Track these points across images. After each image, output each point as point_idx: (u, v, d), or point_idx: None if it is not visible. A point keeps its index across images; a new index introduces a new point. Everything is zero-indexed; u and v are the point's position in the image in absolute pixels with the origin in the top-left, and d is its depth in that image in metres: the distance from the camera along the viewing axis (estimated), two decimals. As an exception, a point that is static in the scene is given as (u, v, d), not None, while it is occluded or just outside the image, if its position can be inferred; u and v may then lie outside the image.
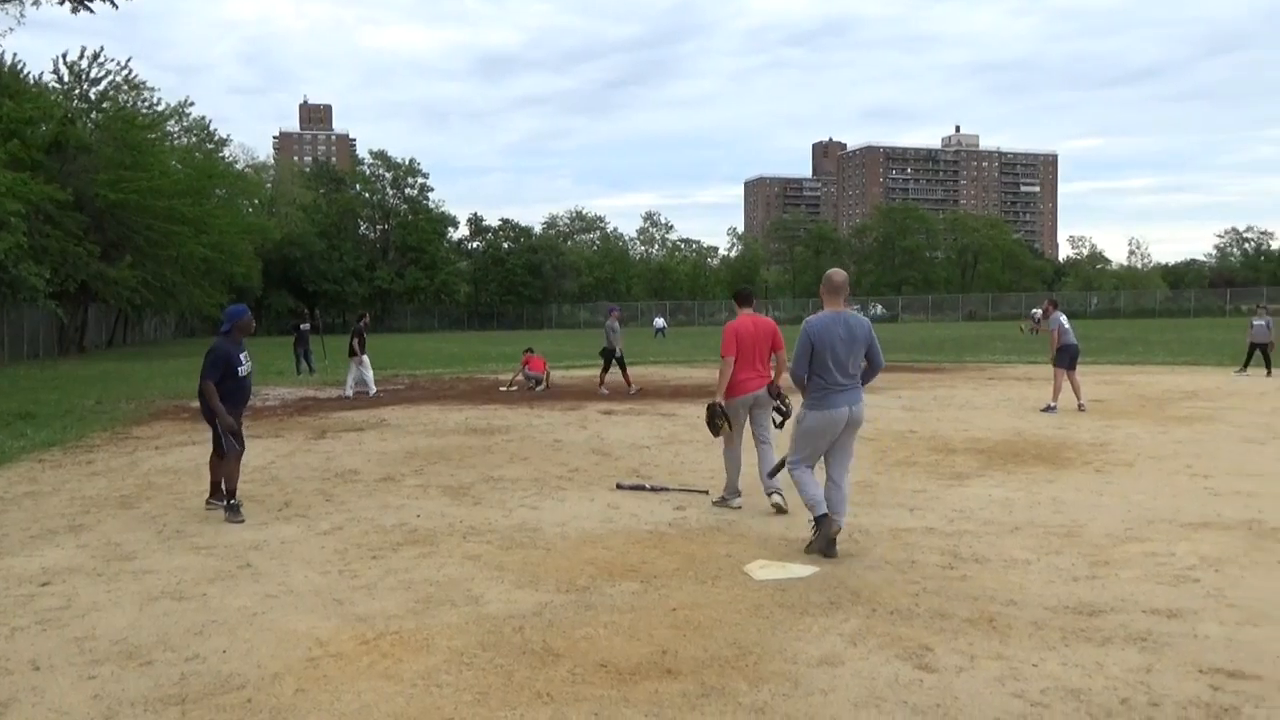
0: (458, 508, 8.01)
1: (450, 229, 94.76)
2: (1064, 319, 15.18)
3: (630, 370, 19.22)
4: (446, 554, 6.47)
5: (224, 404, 7.74)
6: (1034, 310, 62.06)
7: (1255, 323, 21.25)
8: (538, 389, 19.44)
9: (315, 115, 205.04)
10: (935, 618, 4.97)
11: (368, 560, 6.35)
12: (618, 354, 18.47)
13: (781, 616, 5.04)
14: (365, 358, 18.71)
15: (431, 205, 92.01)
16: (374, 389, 18.65)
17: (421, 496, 8.53)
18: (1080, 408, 14.31)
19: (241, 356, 7.90)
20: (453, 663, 4.46)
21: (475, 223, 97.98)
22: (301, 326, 25.68)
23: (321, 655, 4.58)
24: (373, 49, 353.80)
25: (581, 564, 6.15)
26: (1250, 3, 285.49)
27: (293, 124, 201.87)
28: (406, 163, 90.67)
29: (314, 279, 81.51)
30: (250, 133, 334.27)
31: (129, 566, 6.25)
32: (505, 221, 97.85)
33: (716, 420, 7.69)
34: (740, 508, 7.81)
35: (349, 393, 18.37)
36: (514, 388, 19.66)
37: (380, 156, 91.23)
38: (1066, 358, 14.89)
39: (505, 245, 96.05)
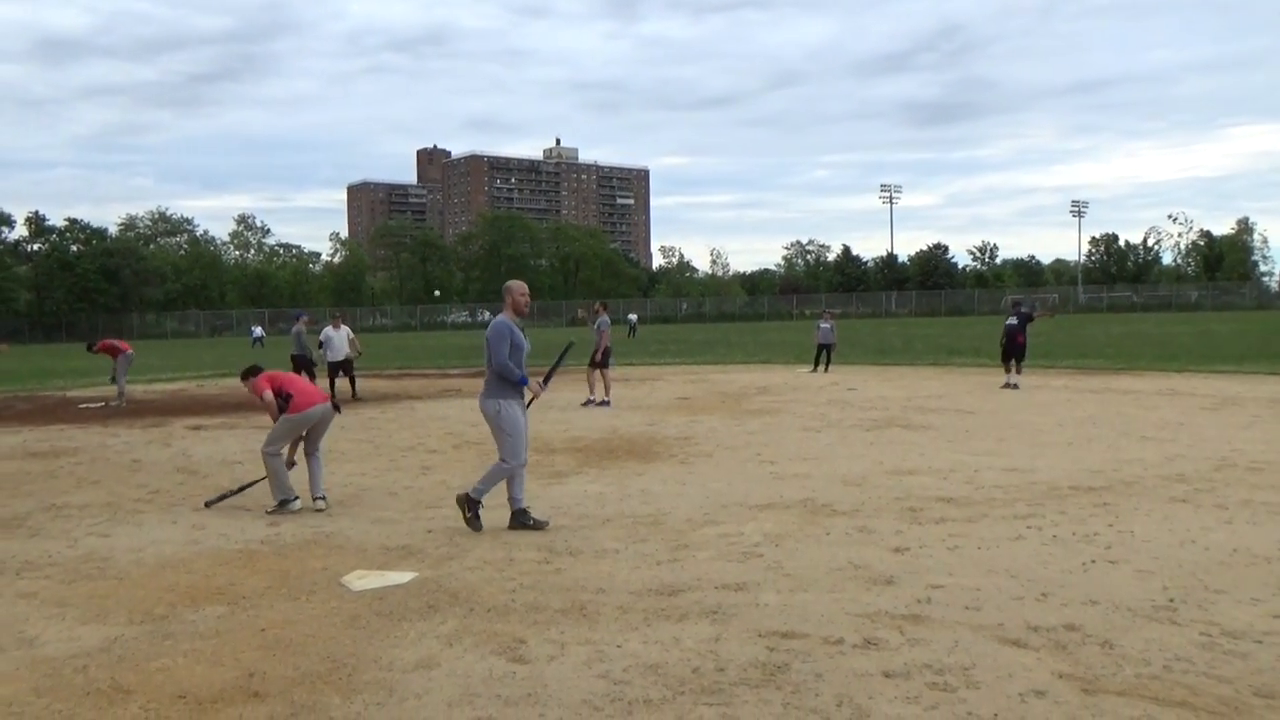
0: (10, 541, 7.09)
1: (4, 229, 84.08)
2: (608, 322, 16.43)
3: (217, 382, 18.04)
4: (-6, 594, 5.71)
5: None
6: (630, 315, 65.58)
7: (821, 325, 23.42)
8: (115, 403, 17.71)
9: None
10: (530, 611, 5.13)
11: (-111, 610, 5.44)
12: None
13: (378, 625, 4.97)
14: None
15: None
16: None
17: (-37, 532, 7.45)
18: (606, 403, 15.67)
19: None
20: (-2, 715, 3.95)
21: (37, 222, 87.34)
22: None
23: None
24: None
25: (160, 591, 5.68)
26: (801, 47, 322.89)
27: None
28: (-58, 152, 79.17)
29: None
30: None
31: None
32: (73, 222, 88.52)
33: None
34: (299, 510, 7.92)
35: None
36: (122, 402, 17.83)
37: (-94, 143, 78.83)
38: (608, 358, 16.11)
39: (74, 248, 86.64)
